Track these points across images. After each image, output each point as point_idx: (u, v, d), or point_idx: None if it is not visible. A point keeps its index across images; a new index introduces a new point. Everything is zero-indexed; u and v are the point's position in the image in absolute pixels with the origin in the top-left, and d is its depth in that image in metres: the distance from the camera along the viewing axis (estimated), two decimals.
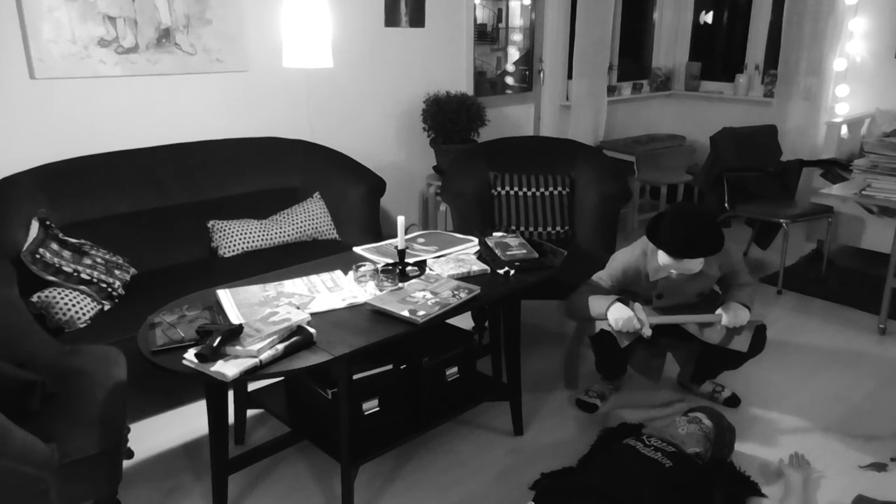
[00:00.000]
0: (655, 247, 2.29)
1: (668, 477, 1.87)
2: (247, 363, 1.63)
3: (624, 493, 1.79)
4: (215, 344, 1.65)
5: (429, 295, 2.00)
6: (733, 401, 2.59)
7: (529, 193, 3.14)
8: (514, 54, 4.27)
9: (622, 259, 2.41)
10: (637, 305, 2.36)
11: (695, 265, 2.26)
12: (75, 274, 2.34)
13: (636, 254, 2.38)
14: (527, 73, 4.37)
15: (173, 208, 2.87)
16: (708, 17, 5.19)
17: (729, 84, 4.92)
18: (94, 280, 2.37)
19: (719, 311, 2.36)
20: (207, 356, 1.64)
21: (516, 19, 4.22)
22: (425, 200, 4.03)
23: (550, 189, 3.15)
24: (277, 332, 1.72)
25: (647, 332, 2.31)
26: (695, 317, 2.40)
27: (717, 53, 5.23)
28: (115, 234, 2.66)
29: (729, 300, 2.39)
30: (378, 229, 3.20)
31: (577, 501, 1.80)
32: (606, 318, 2.32)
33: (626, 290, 2.45)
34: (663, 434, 2.07)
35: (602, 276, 2.43)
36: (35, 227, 2.37)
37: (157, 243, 2.76)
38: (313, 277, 2.19)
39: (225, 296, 2.02)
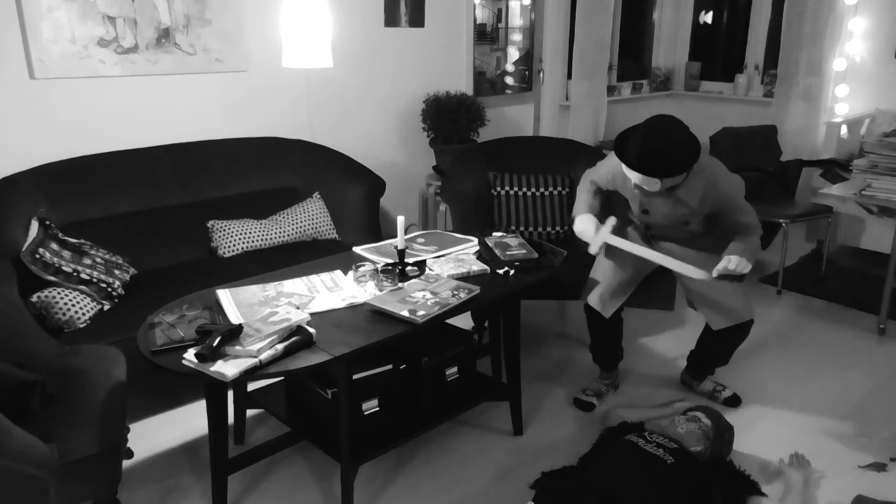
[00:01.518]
0: None
1: (669, 473, 1.87)
2: (246, 363, 1.64)
3: (625, 491, 1.79)
4: (215, 344, 1.65)
5: (428, 295, 2.00)
6: (734, 400, 2.58)
7: (529, 193, 3.14)
8: (513, 54, 4.27)
9: (612, 161, 2.28)
10: (608, 224, 2.23)
11: (650, 184, 2.06)
12: (75, 274, 2.33)
13: None
14: (526, 73, 4.37)
15: (173, 208, 2.87)
16: (708, 17, 5.19)
17: (729, 84, 4.92)
18: (94, 280, 2.37)
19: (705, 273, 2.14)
20: (207, 356, 1.64)
21: (516, 19, 4.22)
22: (425, 200, 4.03)
23: (550, 189, 3.15)
24: (277, 332, 1.72)
25: (593, 250, 2.22)
26: (673, 261, 2.18)
27: (717, 53, 5.23)
28: (115, 233, 2.66)
29: (726, 253, 2.17)
30: (378, 229, 3.20)
31: (577, 501, 1.80)
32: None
33: (617, 195, 2.34)
34: (664, 432, 2.07)
35: (593, 175, 2.35)
36: (34, 226, 2.37)
37: (156, 243, 2.76)
38: (313, 277, 2.19)
39: (224, 296, 2.02)
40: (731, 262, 2.13)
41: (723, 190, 2.18)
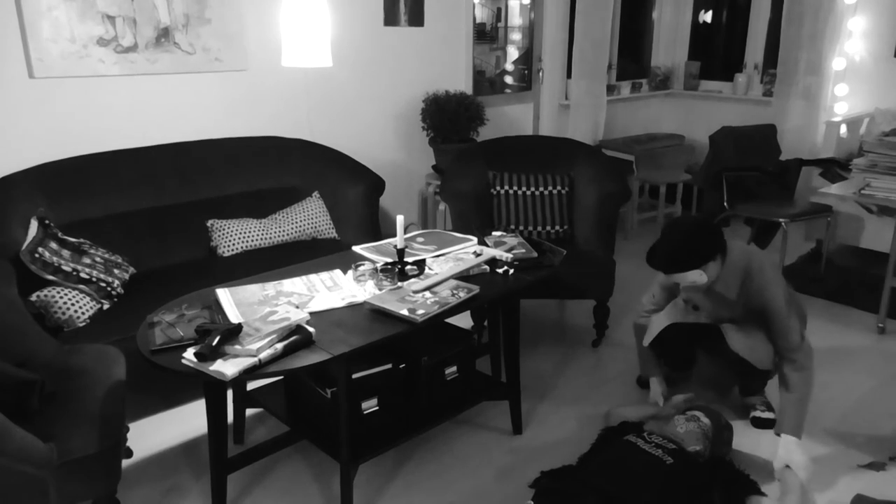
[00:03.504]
0: None
1: (669, 474, 1.87)
2: (246, 362, 1.64)
3: (624, 492, 1.79)
4: (214, 343, 1.65)
5: (428, 294, 2.00)
6: (763, 423, 2.43)
7: (528, 193, 3.14)
8: (513, 53, 4.27)
9: (660, 277, 2.39)
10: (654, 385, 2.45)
11: (678, 279, 2.12)
12: (74, 273, 2.33)
13: None
14: (526, 72, 4.37)
15: (172, 207, 2.87)
16: (707, 17, 5.19)
17: (728, 83, 4.92)
18: (94, 279, 2.37)
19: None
20: (206, 355, 1.64)
21: (515, 18, 4.22)
22: (424, 200, 4.03)
23: (549, 188, 3.15)
24: (276, 331, 1.71)
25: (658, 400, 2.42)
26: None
27: (717, 53, 5.23)
28: (115, 233, 2.66)
29: (777, 426, 2.14)
30: (377, 228, 3.20)
31: (575, 502, 1.80)
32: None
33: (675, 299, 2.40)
34: (664, 432, 2.07)
35: (646, 301, 2.48)
36: (34, 226, 2.37)
37: (156, 242, 2.75)
38: (312, 276, 2.19)
39: (224, 295, 2.02)
40: (786, 451, 2.09)
41: (757, 282, 2.15)
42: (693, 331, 2.36)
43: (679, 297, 2.38)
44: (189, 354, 1.66)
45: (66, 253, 2.38)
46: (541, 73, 4.34)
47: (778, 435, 2.14)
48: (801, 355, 2.14)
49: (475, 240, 2.49)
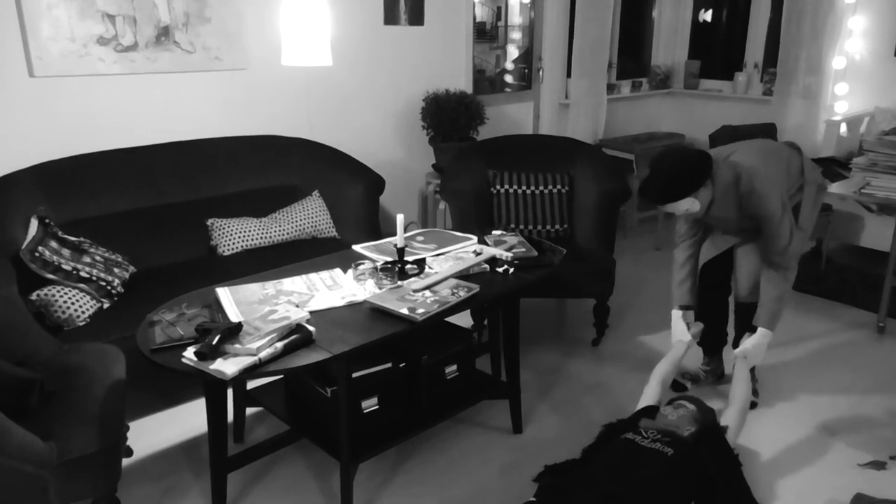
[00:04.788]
0: None
1: (673, 465, 1.88)
2: (246, 361, 1.64)
3: (629, 489, 1.80)
4: (214, 342, 1.65)
5: (428, 293, 2.00)
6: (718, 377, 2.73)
7: (528, 191, 3.14)
8: (513, 52, 4.27)
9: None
10: (688, 334, 2.44)
11: (671, 209, 2.22)
12: (74, 272, 2.33)
13: None
14: (526, 71, 4.36)
15: (172, 206, 2.87)
16: (707, 16, 5.19)
17: (728, 82, 4.92)
18: (94, 278, 2.37)
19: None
20: (206, 354, 1.64)
21: (515, 17, 4.21)
22: (424, 199, 4.03)
23: (550, 187, 3.15)
24: (276, 330, 1.72)
25: (689, 338, 2.42)
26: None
27: (717, 51, 5.23)
28: (115, 232, 2.66)
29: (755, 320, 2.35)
30: (377, 227, 3.20)
31: (578, 498, 1.80)
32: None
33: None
34: (657, 425, 2.09)
35: (680, 231, 2.52)
36: (34, 225, 2.37)
37: (156, 241, 2.75)
38: (312, 275, 2.19)
39: (224, 294, 2.02)
40: (747, 353, 2.32)
41: (750, 200, 2.24)
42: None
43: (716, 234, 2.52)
44: (189, 353, 1.66)
45: (66, 252, 2.38)
46: (541, 72, 4.33)
47: (753, 330, 2.35)
48: (783, 259, 2.29)
49: (475, 239, 2.49)
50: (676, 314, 2.46)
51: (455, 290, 2.02)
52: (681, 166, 2.18)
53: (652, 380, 2.35)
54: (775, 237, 2.26)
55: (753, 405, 2.58)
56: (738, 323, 2.57)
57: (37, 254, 2.28)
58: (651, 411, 2.19)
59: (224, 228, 2.86)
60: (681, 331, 2.43)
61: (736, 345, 2.56)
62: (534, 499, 1.86)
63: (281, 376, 2.18)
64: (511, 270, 2.22)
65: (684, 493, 1.84)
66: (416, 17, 3.73)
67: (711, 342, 2.71)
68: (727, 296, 2.65)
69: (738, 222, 2.35)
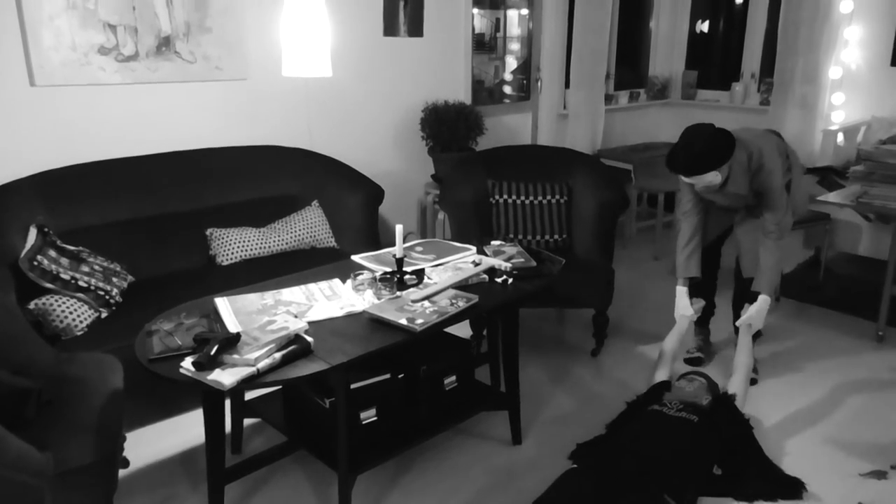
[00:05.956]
0: None
1: (700, 429, 2.09)
2: (244, 372, 1.63)
3: (659, 452, 1.98)
4: (212, 352, 1.65)
5: (427, 303, 2.00)
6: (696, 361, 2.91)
7: (527, 202, 3.15)
8: (511, 63, 4.29)
9: (680, 181, 2.61)
10: (691, 310, 2.65)
11: (695, 180, 2.38)
12: (73, 281, 2.33)
13: None
14: (524, 81, 4.38)
15: (171, 216, 2.87)
16: (704, 26, 5.22)
17: (725, 92, 4.94)
18: (92, 287, 2.37)
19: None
20: (205, 364, 1.63)
21: (514, 29, 4.24)
22: (423, 209, 4.03)
23: (548, 197, 3.15)
24: (275, 340, 1.71)
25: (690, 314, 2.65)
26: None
27: (714, 62, 5.26)
28: (113, 241, 2.65)
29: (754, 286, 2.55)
30: (376, 238, 3.20)
31: (617, 463, 1.97)
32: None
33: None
34: (676, 397, 2.27)
35: (684, 202, 2.67)
36: (33, 233, 2.36)
37: (154, 251, 2.75)
38: (311, 286, 2.19)
39: (223, 304, 2.02)
40: (752, 320, 2.56)
41: (760, 176, 2.46)
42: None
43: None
44: (187, 363, 1.65)
45: (64, 261, 2.37)
46: (539, 83, 4.35)
47: (755, 299, 2.55)
48: (779, 229, 2.53)
49: (474, 249, 2.49)
50: (681, 290, 2.66)
51: (454, 301, 2.02)
52: (713, 142, 2.34)
53: (663, 357, 2.56)
54: (775, 208, 2.49)
55: (754, 381, 2.74)
56: (738, 297, 2.78)
57: (35, 263, 2.28)
58: (667, 385, 2.39)
59: (223, 238, 2.86)
60: (684, 306, 2.64)
61: (736, 317, 2.73)
62: (574, 465, 2.03)
63: (279, 387, 2.18)
64: (510, 281, 2.22)
65: (710, 455, 2.09)
66: (416, 29, 3.76)
67: (703, 314, 2.92)
68: (716, 270, 2.92)
69: (745, 198, 2.53)
